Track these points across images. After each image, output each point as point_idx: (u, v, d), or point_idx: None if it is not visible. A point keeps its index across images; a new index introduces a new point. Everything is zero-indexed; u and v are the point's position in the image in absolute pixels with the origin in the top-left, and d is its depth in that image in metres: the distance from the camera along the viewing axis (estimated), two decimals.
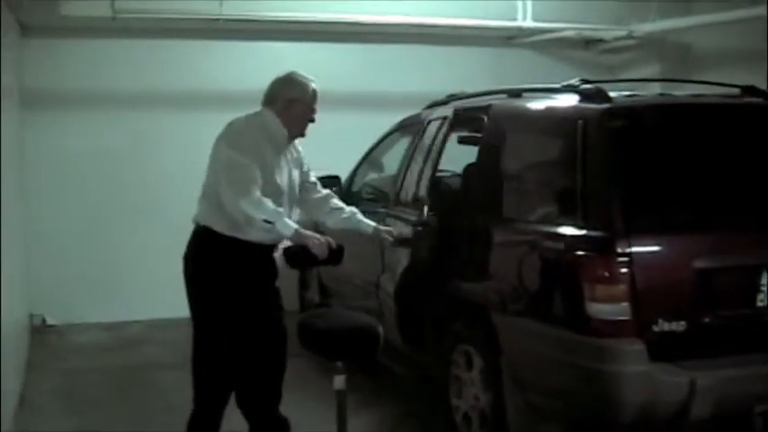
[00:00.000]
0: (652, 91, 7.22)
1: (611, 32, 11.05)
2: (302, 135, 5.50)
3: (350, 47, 11.04)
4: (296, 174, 5.52)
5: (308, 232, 5.19)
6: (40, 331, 10.07)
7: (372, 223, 5.93)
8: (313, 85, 5.45)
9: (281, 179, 5.34)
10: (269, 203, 5.04)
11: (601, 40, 11.37)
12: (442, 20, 10.42)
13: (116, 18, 9.36)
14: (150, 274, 9.79)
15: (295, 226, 5.14)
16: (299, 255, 5.23)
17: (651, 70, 11.15)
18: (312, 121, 5.45)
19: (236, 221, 5.11)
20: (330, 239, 5.23)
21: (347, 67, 10.86)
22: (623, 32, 10.85)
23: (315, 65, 10.56)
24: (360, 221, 5.87)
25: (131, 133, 10.33)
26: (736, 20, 9.37)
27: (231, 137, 5.23)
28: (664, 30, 10.64)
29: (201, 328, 5.33)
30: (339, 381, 5.04)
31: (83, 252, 10.33)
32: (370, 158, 8.69)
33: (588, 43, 11.73)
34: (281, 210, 5.11)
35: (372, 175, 8.73)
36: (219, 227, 5.21)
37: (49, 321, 10.40)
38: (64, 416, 7.22)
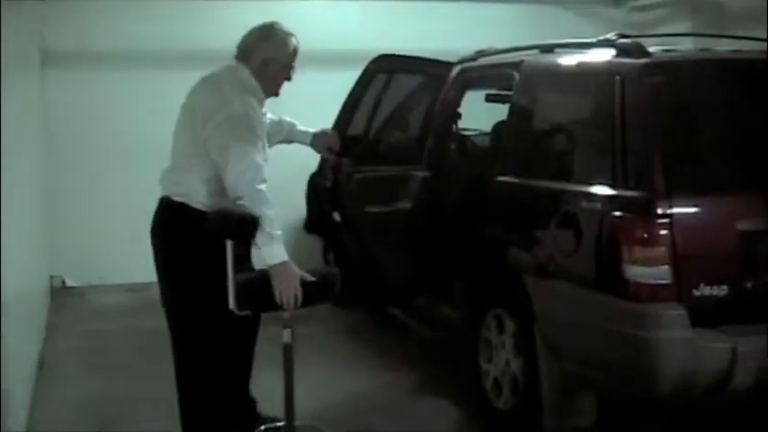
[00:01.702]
0: (686, 47, 6.98)
1: None
2: (275, 95, 5.17)
3: (372, 4, 10.85)
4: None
5: (295, 271, 4.65)
6: (60, 293, 9.97)
7: (311, 131, 5.68)
8: (293, 42, 5.09)
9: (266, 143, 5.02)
10: (269, 221, 4.60)
11: None
12: None
13: None
14: None
15: (281, 258, 4.61)
16: (257, 295, 4.73)
17: (682, 28, 10.83)
18: (288, 79, 5.12)
19: (223, 192, 4.78)
20: (305, 277, 4.69)
21: (371, 25, 10.65)
22: None
23: (337, 22, 10.62)
24: (296, 133, 5.63)
25: (156, 92, 10.08)
26: None
27: (226, 110, 4.82)
28: None
29: (177, 312, 5.08)
30: (286, 334, 4.73)
31: (103, 211, 10.23)
32: (394, 116, 8.47)
33: (618, 1, 11.45)
34: (277, 234, 4.63)
35: (397, 135, 8.51)
36: (199, 199, 4.92)
37: (69, 283, 10.33)
38: (85, 379, 7.09)
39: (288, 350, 4.77)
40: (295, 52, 5.10)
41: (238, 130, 4.77)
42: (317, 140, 5.76)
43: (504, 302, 5.87)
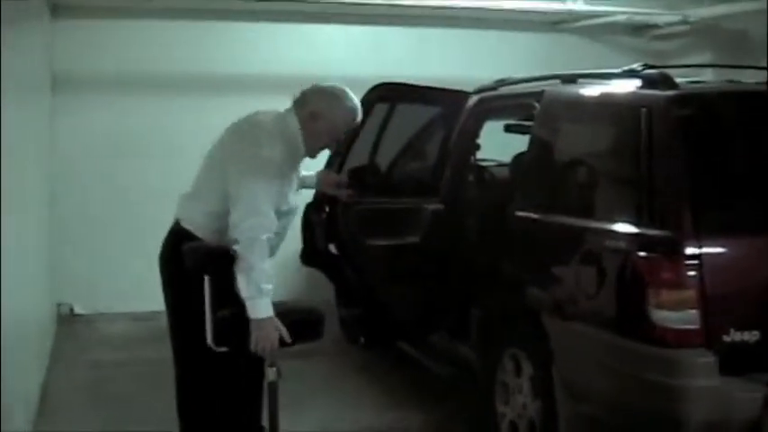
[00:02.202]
0: (707, 78, 6.79)
1: (663, 17, 10.56)
2: (313, 156, 4.98)
3: (386, 30, 10.69)
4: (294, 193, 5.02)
5: (280, 328, 4.51)
6: (67, 321, 9.80)
7: (312, 174, 5.53)
8: (351, 108, 4.86)
9: (294, 198, 4.91)
10: (259, 275, 4.44)
11: (653, 26, 10.91)
12: (490, 2, 9.93)
13: None
14: None
15: (263, 315, 4.47)
16: (235, 335, 4.58)
17: (704, 58, 10.68)
18: (330, 147, 5.01)
19: (225, 235, 4.64)
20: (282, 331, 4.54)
21: (387, 52, 10.52)
22: (677, 17, 10.38)
23: (349, 49, 10.48)
24: (304, 178, 5.39)
25: (163, 118, 10.05)
26: None
27: (252, 152, 4.67)
28: (719, 15, 10.17)
29: (182, 339, 4.94)
30: (271, 372, 4.61)
31: (112, 239, 10.07)
32: (412, 146, 8.28)
33: (638, 29, 11.30)
34: (266, 288, 4.48)
35: (414, 165, 8.33)
36: (201, 233, 4.80)
37: (77, 310, 10.13)
38: (89, 412, 6.90)
39: (273, 389, 4.64)
40: (350, 120, 4.90)
41: (259, 174, 4.60)
42: (321, 182, 5.70)
43: (521, 343, 5.66)
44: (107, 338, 9.26)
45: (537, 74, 6.54)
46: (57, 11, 9.50)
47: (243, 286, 4.45)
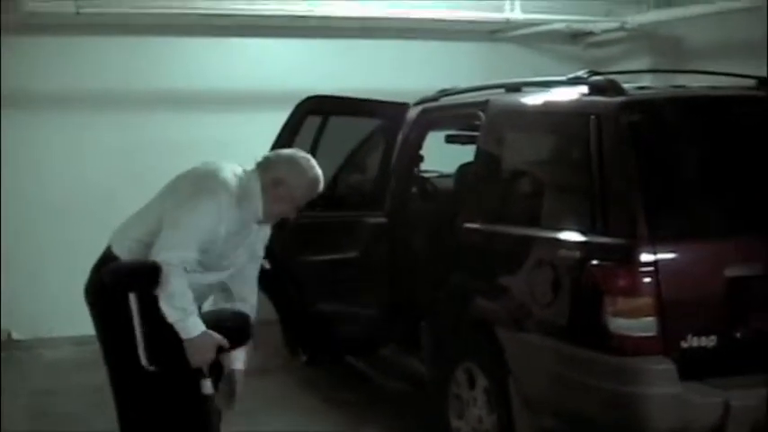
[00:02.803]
0: (642, 83, 6.78)
1: (602, 24, 10.58)
2: (268, 222, 4.86)
3: (331, 43, 10.57)
4: (253, 251, 4.88)
5: (215, 338, 4.43)
6: (6, 346, 9.56)
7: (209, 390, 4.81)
8: (311, 177, 4.71)
9: (229, 259, 4.70)
10: (181, 297, 4.34)
11: (590, 33, 10.93)
12: (427, 13, 9.90)
13: (80, 13, 8.81)
14: None
15: (195, 332, 4.37)
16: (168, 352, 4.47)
17: (641, 64, 10.75)
18: (287, 216, 4.82)
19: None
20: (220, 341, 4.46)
21: (329, 64, 10.41)
22: (615, 24, 10.40)
23: (295, 62, 10.40)
24: None
25: (105, 136, 9.90)
26: (736, 10, 8.95)
27: (207, 186, 4.55)
28: (657, 21, 10.22)
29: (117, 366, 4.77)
30: (206, 385, 4.52)
31: (53, 261, 9.81)
32: (354, 160, 8.20)
33: (575, 37, 11.31)
34: (190, 308, 4.37)
35: (356, 177, 8.24)
36: (130, 256, 4.63)
37: (16, 336, 9.87)
38: None
39: (209, 402, 4.56)
40: (313, 190, 4.75)
41: (198, 208, 4.48)
42: None
43: (474, 355, 5.59)
44: (49, 364, 9.08)
45: (475, 83, 6.50)
46: (5, 27, 9.28)
47: (168, 312, 4.35)
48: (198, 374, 4.52)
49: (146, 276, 4.36)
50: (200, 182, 4.61)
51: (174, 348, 4.40)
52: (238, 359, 4.75)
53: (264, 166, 4.73)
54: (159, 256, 4.37)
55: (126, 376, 4.72)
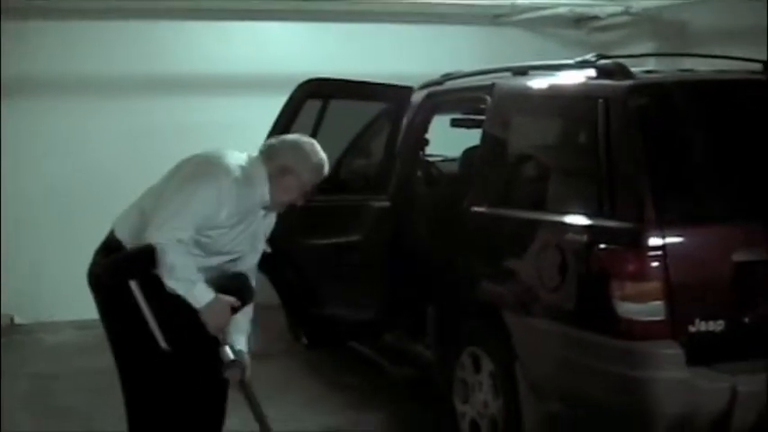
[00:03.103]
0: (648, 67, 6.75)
1: (606, 9, 10.53)
2: (276, 210, 4.83)
3: (333, 26, 10.58)
4: (257, 239, 4.83)
5: (226, 299, 4.47)
6: (8, 331, 9.58)
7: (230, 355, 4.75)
8: (320, 165, 4.68)
9: (230, 238, 4.63)
10: (182, 269, 4.34)
11: (594, 18, 10.88)
12: None
13: None
14: None
15: (206, 299, 4.40)
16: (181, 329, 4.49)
17: (645, 48, 10.68)
18: (295, 204, 4.77)
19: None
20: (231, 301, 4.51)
21: (331, 48, 10.42)
22: (619, 8, 10.35)
23: (297, 45, 10.38)
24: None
25: (106, 122, 9.89)
26: None
27: (208, 170, 4.52)
28: (660, 5, 10.17)
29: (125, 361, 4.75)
30: (225, 352, 4.54)
31: (54, 246, 9.84)
32: (358, 143, 8.16)
33: (579, 21, 11.26)
34: (194, 277, 4.38)
35: (360, 161, 8.21)
36: (130, 243, 4.59)
37: (18, 320, 9.92)
38: (35, 427, 6.75)
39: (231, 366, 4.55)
40: (319, 175, 4.71)
41: (198, 189, 4.45)
42: None
43: (480, 340, 5.57)
44: (51, 349, 9.08)
45: (479, 67, 6.46)
46: (5, 12, 9.25)
47: (174, 286, 4.34)
48: (215, 344, 4.52)
49: (141, 261, 4.36)
50: (201, 166, 4.58)
51: (187, 324, 4.41)
52: (240, 340, 4.71)
53: (269, 153, 4.69)
54: (152, 235, 4.35)
55: (133, 360, 4.71)
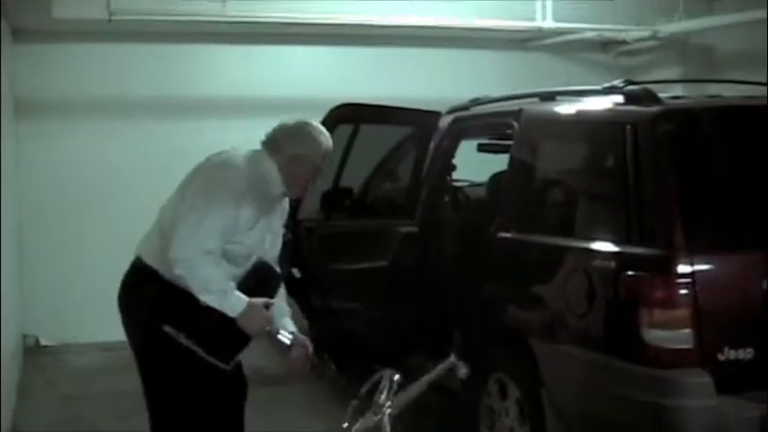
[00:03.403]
0: (675, 93, 6.72)
1: (633, 33, 10.50)
2: (299, 195, 4.89)
3: (358, 50, 10.59)
4: (275, 232, 4.83)
5: (259, 302, 4.46)
6: (33, 352, 9.59)
7: (287, 339, 4.82)
8: (325, 143, 4.70)
9: (254, 240, 4.63)
10: (215, 280, 4.36)
11: (621, 42, 10.86)
12: (459, 21, 9.85)
13: (112, 20, 8.77)
14: None
15: (241, 306, 4.40)
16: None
17: (672, 73, 10.70)
18: (312, 182, 4.79)
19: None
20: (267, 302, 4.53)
21: (355, 72, 10.43)
22: (646, 33, 10.32)
23: (322, 69, 10.40)
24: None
25: (130, 143, 9.93)
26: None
27: (212, 179, 4.54)
28: (688, 30, 10.14)
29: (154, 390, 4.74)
30: (284, 336, 4.61)
31: (78, 267, 9.87)
32: (385, 168, 8.16)
33: (606, 45, 11.25)
34: (227, 287, 4.39)
35: (387, 185, 8.21)
36: (155, 263, 4.57)
37: (43, 342, 9.92)
38: None
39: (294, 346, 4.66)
40: (328, 153, 4.74)
41: (215, 198, 4.45)
42: None
43: (507, 366, 5.54)
44: (76, 371, 9.06)
45: (505, 92, 6.46)
46: (18, 35, 9.32)
47: (208, 300, 4.34)
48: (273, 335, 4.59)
49: (169, 303, 4.44)
50: (211, 176, 4.57)
51: (227, 334, 4.44)
52: (287, 322, 4.76)
53: (274, 145, 4.67)
54: (177, 252, 4.34)
55: (160, 384, 4.68)
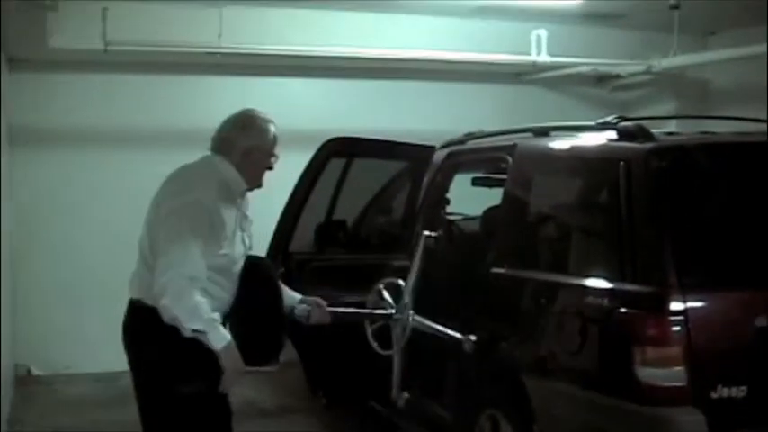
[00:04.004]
0: (668, 129, 6.72)
1: (627, 68, 10.53)
2: (259, 186, 4.82)
3: (353, 83, 10.60)
4: (245, 229, 4.81)
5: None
6: (25, 382, 9.55)
7: (297, 297, 5.14)
8: (272, 129, 4.74)
9: (235, 247, 4.65)
10: (205, 308, 4.33)
11: (616, 76, 10.90)
12: (454, 55, 9.86)
13: (108, 50, 8.77)
14: None
15: (227, 339, 4.38)
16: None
17: (666, 107, 10.73)
18: (270, 168, 4.77)
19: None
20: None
21: (350, 105, 10.44)
22: (641, 68, 10.34)
23: (317, 101, 10.40)
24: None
25: (123, 173, 9.88)
26: (762, 54, 8.90)
27: (179, 199, 4.53)
28: (683, 65, 10.16)
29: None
30: None
31: (71, 297, 9.83)
32: (379, 201, 8.17)
33: (601, 80, 11.28)
34: (216, 317, 4.38)
35: (381, 219, 8.21)
36: (146, 296, 4.56)
37: (35, 371, 9.88)
38: None
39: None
40: (276, 139, 4.76)
41: (185, 220, 4.44)
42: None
43: (499, 403, 5.51)
44: (68, 401, 9.01)
45: (500, 125, 6.48)
46: (13, 63, 9.34)
47: (197, 327, 4.31)
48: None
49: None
50: (176, 199, 4.56)
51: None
52: (292, 295, 5.04)
53: (223, 147, 4.72)
54: (162, 282, 4.32)
55: (161, 410, 4.68)
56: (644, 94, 11.26)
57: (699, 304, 4.47)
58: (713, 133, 5.71)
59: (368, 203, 7.98)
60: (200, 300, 4.33)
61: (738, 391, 4.46)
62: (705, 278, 4.56)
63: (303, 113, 9.96)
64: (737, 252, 4.71)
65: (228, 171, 4.66)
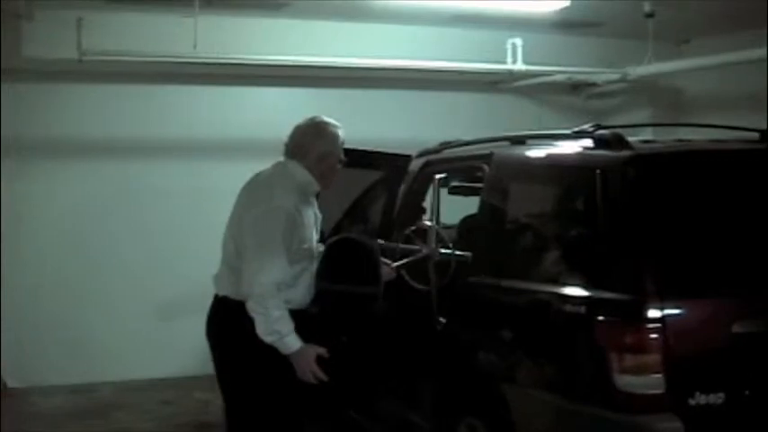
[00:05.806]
0: (645, 137, 6.74)
1: (603, 76, 10.57)
2: (328, 187, 5.25)
3: (330, 92, 10.56)
4: (317, 230, 5.29)
5: (310, 351, 4.95)
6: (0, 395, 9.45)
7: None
8: (338, 131, 5.25)
9: (313, 241, 5.08)
10: (280, 322, 4.80)
11: (591, 84, 10.94)
12: (430, 63, 9.89)
13: (83, 60, 8.74)
14: (121, 331, 9.37)
15: (297, 347, 4.87)
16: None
17: (641, 115, 10.78)
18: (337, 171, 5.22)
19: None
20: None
21: (327, 114, 10.24)
22: (616, 76, 10.39)
23: (294, 110, 10.24)
24: None
25: (103, 183, 9.88)
26: (736, 62, 8.97)
27: (262, 207, 4.92)
28: (658, 73, 10.21)
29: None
30: None
31: (47, 309, 9.78)
32: (355, 211, 8.15)
33: (576, 88, 11.32)
34: (289, 327, 4.84)
35: (357, 228, 8.19)
36: (233, 293, 4.97)
37: (10, 384, 9.80)
38: None
39: None
40: (343, 143, 5.25)
41: (269, 226, 4.84)
42: None
43: (478, 411, 5.49)
44: (44, 413, 8.94)
45: (475, 133, 6.49)
46: (4, 74, 9.29)
47: (271, 337, 4.78)
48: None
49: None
50: (262, 197, 4.97)
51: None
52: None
53: (300, 152, 5.15)
54: (249, 286, 4.78)
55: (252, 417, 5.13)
56: (619, 102, 11.32)
57: (676, 311, 4.47)
58: (689, 141, 5.73)
59: (344, 213, 7.95)
60: (278, 314, 4.79)
61: (716, 398, 4.48)
62: (682, 285, 4.56)
63: (279, 123, 9.88)
64: (714, 259, 4.71)
65: (304, 175, 5.07)
